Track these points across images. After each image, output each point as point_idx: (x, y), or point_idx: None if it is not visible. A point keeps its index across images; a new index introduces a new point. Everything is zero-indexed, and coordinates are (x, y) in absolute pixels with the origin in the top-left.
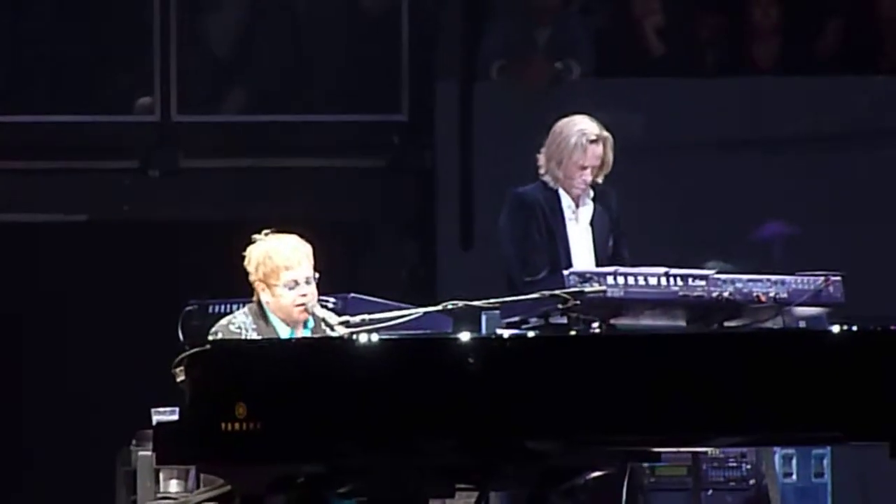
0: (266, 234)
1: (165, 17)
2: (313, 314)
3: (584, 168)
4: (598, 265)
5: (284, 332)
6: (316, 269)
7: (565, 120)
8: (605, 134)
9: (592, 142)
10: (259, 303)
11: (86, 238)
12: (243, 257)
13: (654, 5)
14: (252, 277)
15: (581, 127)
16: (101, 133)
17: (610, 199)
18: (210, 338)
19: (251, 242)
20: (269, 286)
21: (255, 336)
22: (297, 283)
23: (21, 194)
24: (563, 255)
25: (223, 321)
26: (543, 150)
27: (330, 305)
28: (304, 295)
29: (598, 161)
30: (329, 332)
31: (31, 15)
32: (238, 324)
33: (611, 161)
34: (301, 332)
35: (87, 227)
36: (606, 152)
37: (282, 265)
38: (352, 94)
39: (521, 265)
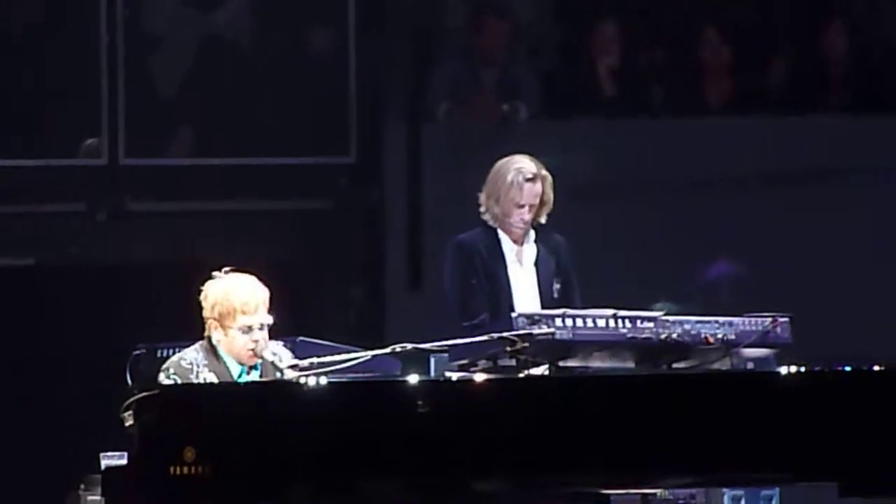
0: (226, 272)
1: (113, 59)
2: (262, 357)
3: (520, 206)
4: (543, 307)
5: (235, 370)
6: (270, 312)
7: (504, 159)
8: (544, 173)
9: (529, 180)
10: (210, 340)
11: (33, 281)
12: (199, 292)
13: (610, 46)
14: (206, 314)
15: (518, 165)
16: (48, 176)
17: (556, 244)
18: (161, 374)
19: (203, 282)
20: (223, 326)
21: (206, 372)
22: (251, 328)
23: None
24: (504, 299)
25: (174, 357)
26: (483, 189)
27: (281, 344)
28: (255, 340)
29: (535, 199)
30: (278, 375)
31: None
32: (189, 360)
33: (551, 200)
34: (252, 372)
35: (35, 271)
36: (546, 191)
37: (239, 309)
38: (299, 136)
39: (460, 310)
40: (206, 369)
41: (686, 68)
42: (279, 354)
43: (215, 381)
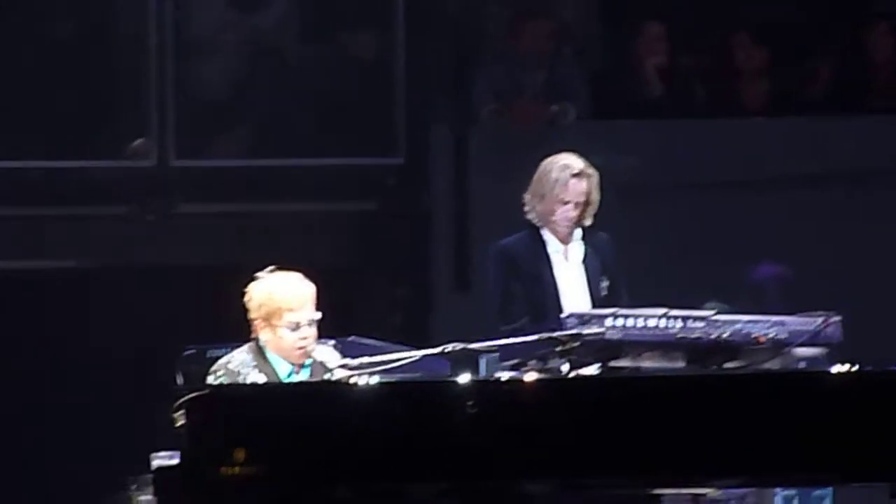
0: (269, 271)
1: (162, 62)
2: (312, 356)
3: (566, 203)
4: (593, 305)
5: (284, 371)
6: (318, 308)
7: (550, 158)
8: (591, 170)
9: (575, 175)
10: (257, 342)
11: (82, 284)
12: (244, 294)
13: (659, 46)
14: (252, 315)
15: (565, 162)
16: (97, 178)
17: (602, 243)
18: (210, 377)
19: (252, 281)
20: (270, 326)
21: (255, 374)
22: (298, 325)
23: (17, 241)
24: (550, 300)
25: (222, 360)
26: (529, 188)
27: (331, 344)
28: (304, 338)
29: (581, 197)
30: (327, 375)
31: (26, 58)
32: (237, 361)
33: (597, 200)
34: (301, 371)
35: (84, 273)
36: (591, 189)
37: (285, 307)
38: (348, 137)
39: (500, 314)
40: (254, 371)
41: (728, 70)
42: (328, 356)
43: (263, 381)
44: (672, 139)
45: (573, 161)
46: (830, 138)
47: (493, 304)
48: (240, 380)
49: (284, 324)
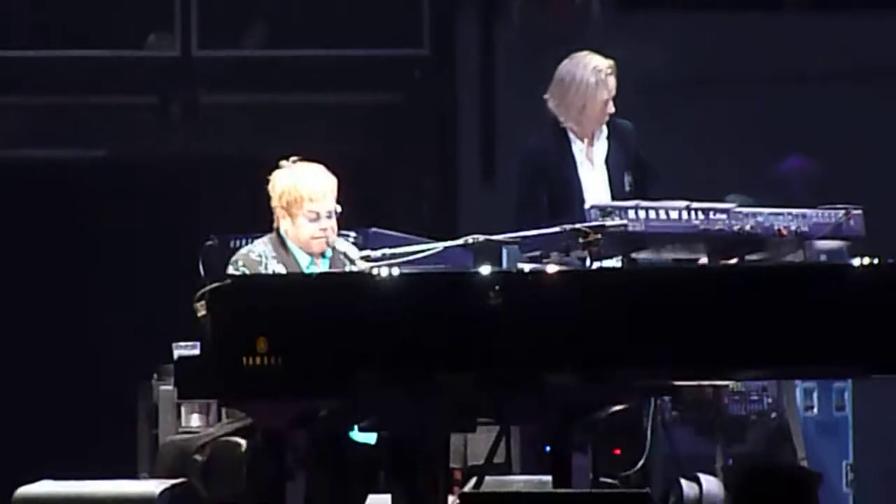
0: (293, 162)
1: None
2: (334, 247)
3: (600, 103)
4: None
5: (304, 261)
6: (338, 201)
7: (571, 62)
8: (612, 61)
9: (609, 74)
10: (278, 231)
11: (105, 173)
12: (267, 182)
13: None
14: (274, 203)
15: (594, 64)
16: (121, 68)
17: (624, 133)
18: (230, 266)
19: (275, 170)
20: (290, 215)
21: (274, 264)
22: (318, 215)
23: (40, 130)
24: (577, 202)
25: (243, 250)
26: (553, 97)
27: (351, 239)
28: (323, 229)
29: (614, 90)
30: (349, 266)
31: None
32: (258, 252)
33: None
34: (320, 262)
35: (107, 163)
36: (615, 84)
37: (306, 196)
38: (373, 28)
39: (520, 220)
40: (274, 261)
41: None
42: (347, 248)
43: (283, 272)
44: (697, 32)
45: (599, 61)
46: (858, 35)
47: (516, 207)
48: (260, 269)
49: (304, 213)
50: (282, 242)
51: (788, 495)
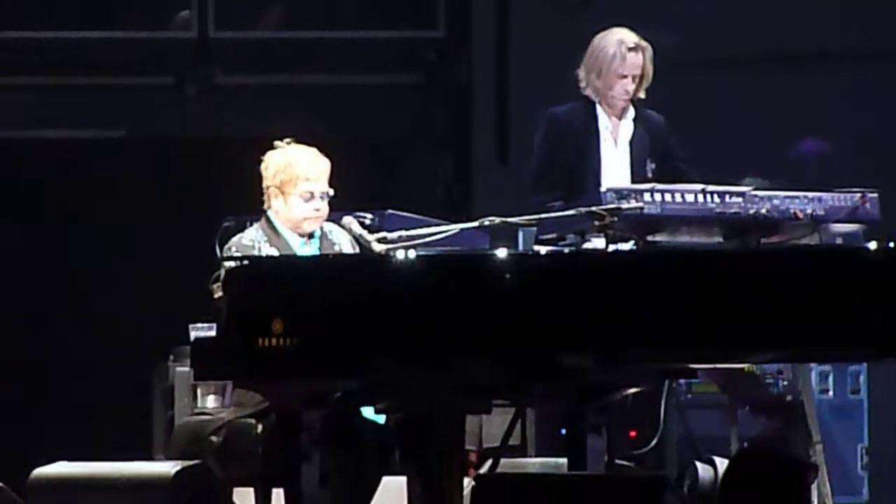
0: (287, 142)
1: None
2: (350, 230)
3: (623, 77)
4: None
5: (295, 243)
6: (331, 185)
7: (603, 32)
8: (644, 43)
9: (631, 49)
10: (266, 217)
11: (122, 154)
12: (260, 162)
13: None
14: (267, 183)
15: (619, 37)
16: (138, 49)
17: (653, 124)
18: (225, 254)
19: (270, 150)
20: (283, 194)
21: (267, 248)
22: (312, 195)
23: (57, 110)
24: (592, 175)
25: (235, 237)
26: (583, 64)
27: (367, 222)
28: (317, 209)
29: (637, 70)
30: (337, 248)
31: None
32: (250, 237)
33: (650, 73)
34: (309, 244)
35: (124, 144)
36: (646, 63)
37: (301, 175)
38: (388, 9)
39: (537, 182)
40: (266, 244)
41: None
42: (356, 229)
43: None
44: (713, 11)
45: (627, 35)
46: (878, 13)
47: (533, 171)
48: (254, 254)
49: (299, 193)
50: (271, 226)
51: (776, 483)
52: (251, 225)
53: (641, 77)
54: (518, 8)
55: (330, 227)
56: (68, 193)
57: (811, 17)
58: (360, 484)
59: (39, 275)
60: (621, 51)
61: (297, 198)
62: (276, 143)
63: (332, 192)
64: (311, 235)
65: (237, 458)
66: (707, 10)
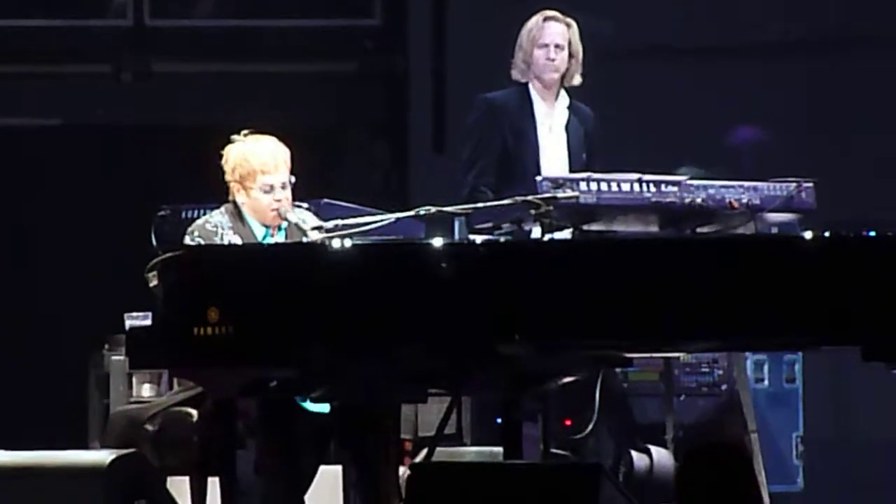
0: (244, 136)
1: None
2: (286, 218)
3: (544, 46)
4: (571, 171)
5: (260, 233)
6: (292, 172)
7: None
8: (568, 19)
9: (549, 19)
10: (235, 203)
11: (59, 142)
12: (220, 156)
13: None
14: (228, 178)
15: (542, 12)
16: (74, 37)
17: (586, 116)
18: (186, 236)
19: (228, 143)
20: (244, 188)
21: (231, 235)
22: (272, 187)
23: None
24: (531, 159)
25: (199, 221)
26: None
27: (309, 209)
28: (278, 200)
29: (559, 39)
30: (303, 237)
31: None
32: (214, 222)
33: (580, 51)
34: (276, 234)
35: (60, 131)
36: (572, 38)
37: (259, 169)
38: None
39: (468, 166)
40: (230, 231)
41: None
42: (303, 217)
43: (239, 243)
44: (648, 1)
45: (548, 11)
46: (812, 4)
47: (464, 156)
48: (216, 240)
49: (258, 186)
50: (238, 214)
51: (727, 470)
52: (202, 212)
53: (570, 54)
54: None
55: (300, 215)
56: (2, 181)
57: (746, 7)
58: (296, 472)
59: None
60: (539, 21)
61: (258, 191)
62: (233, 136)
63: (293, 178)
64: (278, 227)
65: (173, 447)
66: (643, 0)
